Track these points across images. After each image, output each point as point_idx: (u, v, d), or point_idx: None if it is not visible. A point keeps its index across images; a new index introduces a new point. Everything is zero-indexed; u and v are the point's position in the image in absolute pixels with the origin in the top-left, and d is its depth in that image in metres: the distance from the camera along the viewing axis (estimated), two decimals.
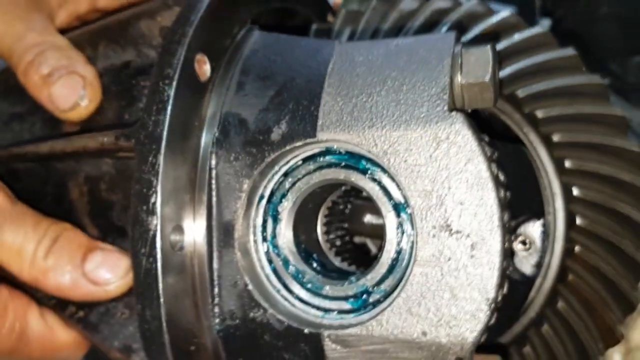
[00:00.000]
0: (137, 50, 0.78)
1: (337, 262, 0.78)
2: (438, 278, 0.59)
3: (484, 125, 0.82)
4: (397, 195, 0.64)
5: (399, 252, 0.64)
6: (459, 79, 0.60)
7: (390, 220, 0.64)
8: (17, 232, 0.73)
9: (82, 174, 0.78)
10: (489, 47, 0.60)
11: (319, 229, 0.78)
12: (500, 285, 0.58)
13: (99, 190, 0.77)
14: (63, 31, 0.86)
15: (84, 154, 0.73)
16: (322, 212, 0.79)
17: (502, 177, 0.61)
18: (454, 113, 0.59)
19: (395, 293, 0.62)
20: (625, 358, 1.17)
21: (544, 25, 1.59)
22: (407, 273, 0.61)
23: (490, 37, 0.82)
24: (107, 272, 0.72)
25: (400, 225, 0.64)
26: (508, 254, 0.60)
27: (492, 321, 0.61)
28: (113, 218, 0.76)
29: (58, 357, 0.79)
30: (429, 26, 0.85)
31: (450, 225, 0.59)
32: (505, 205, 0.59)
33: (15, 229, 0.73)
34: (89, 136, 0.71)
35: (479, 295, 0.58)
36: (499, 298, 0.58)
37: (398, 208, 0.64)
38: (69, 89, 0.76)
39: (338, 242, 0.81)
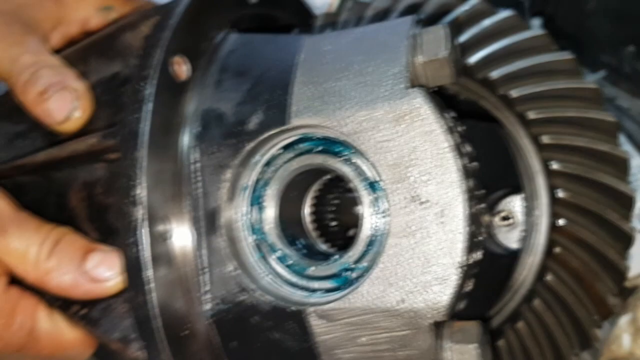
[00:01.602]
0: (124, 61, 0.82)
1: (325, 247, 0.81)
2: (411, 247, 0.61)
3: (468, 108, 0.85)
4: (371, 173, 0.67)
5: (375, 228, 0.66)
6: (419, 58, 0.63)
7: (364, 198, 0.67)
8: (21, 236, 0.78)
9: (79, 180, 0.83)
10: (442, 25, 0.63)
11: (307, 216, 0.81)
12: (468, 249, 0.60)
13: (96, 195, 0.81)
14: (57, 51, 0.92)
15: (77, 158, 0.77)
16: (310, 199, 0.82)
17: (467, 148, 0.64)
18: (414, 89, 0.62)
19: (374, 266, 0.64)
20: (634, 337, 1.16)
21: (535, 24, 1.62)
22: (382, 246, 0.64)
23: (461, 24, 0.85)
24: (106, 270, 0.76)
25: (375, 201, 0.67)
26: (477, 220, 0.62)
27: (469, 287, 0.63)
28: (110, 220, 0.80)
29: (67, 355, 0.82)
30: None
31: (419, 195, 0.61)
32: (470, 173, 0.62)
33: (19, 234, 0.78)
34: (78, 140, 0.75)
35: (450, 259, 0.60)
36: (469, 262, 0.60)
37: (373, 186, 0.67)
38: (62, 102, 0.81)
39: (327, 230, 0.83)
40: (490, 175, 0.76)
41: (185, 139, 0.71)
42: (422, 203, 0.61)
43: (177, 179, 0.69)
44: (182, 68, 0.72)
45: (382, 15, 0.90)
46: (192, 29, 0.75)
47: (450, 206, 0.60)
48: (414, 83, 0.63)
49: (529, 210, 0.83)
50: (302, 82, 0.68)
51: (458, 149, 0.61)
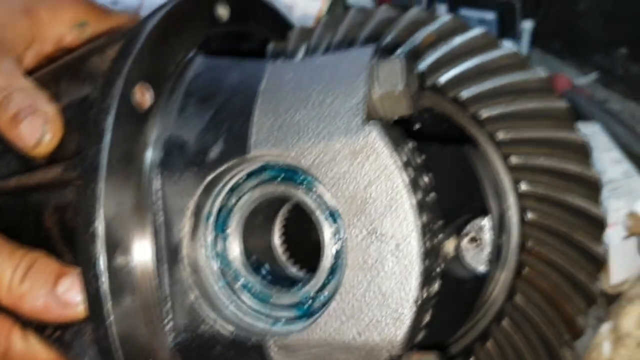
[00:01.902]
0: (94, 84, 0.82)
1: (295, 269, 0.81)
2: (368, 280, 0.62)
3: (442, 123, 0.85)
4: (332, 203, 0.67)
5: (337, 258, 0.67)
6: (375, 91, 0.63)
7: (326, 228, 0.67)
8: None
9: (52, 204, 0.83)
10: (399, 58, 0.62)
11: (276, 239, 0.81)
12: (423, 284, 0.60)
13: (67, 219, 0.81)
14: (32, 71, 0.92)
15: (45, 186, 0.78)
16: (279, 221, 0.82)
17: (425, 180, 0.64)
18: (370, 123, 0.62)
19: (332, 298, 0.64)
20: (614, 346, 1.17)
21: (526, 26, 1.61)
22: (341, 277, 0.64)
23: (432, 43, 0.85)
24: (77, 295, 0.77)
25: (337, 231, 0.67)
26: (434, 253, 0.62)
27: (427, 319, 0.63)
28: None
29: None
30: (374, 38, 0.87)
31: (376, 229, 0.61)
32: (426, 207, 0.61)
33: None
34: (45, 169, 0.76)
35: (404, 295, 0.60)
36: (425, 296, 0.61)
37: (334, 215, 0.67)
38: (33, 126, 0.82)
39: (298, 251, 0.83)
40: (457, 199, 0.76)
41: (148, 166, 0.71)
42: (378, 237, 0.61)
43: (139, 208, 0.69)
44: (144, 96, 0.72)
45: (354, 32, 0.90)
46: (157, 54, 0.75)
47: (405, 241, 0.60)
48: (371, 116, 0.63)
49: (499, 231, 0.82)
50: (262, 112, 0.68)
51: (413, 184, 0.61)
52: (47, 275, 0.79)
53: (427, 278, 0.61)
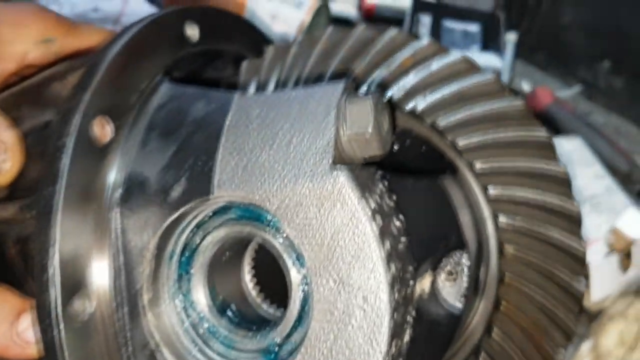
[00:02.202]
0: (55, 110, 0.79)
1: (265, 306, 0.78)
2: (335, 333, 0.59)
3: (420, 146, 0.82)
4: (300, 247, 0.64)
5: (304, 305, 0.64)
6: (344, 132, 0.60)
7: (293, 273, 0.64)
8: None
9: (14, 235, 0.80)
10: (369, 98, 0.59)
11: (246, 276, 0.78)
12: (393, 337, 0.57)
13: (29, 250, 0.78)
14: None
15: (7, 221, 0.74)
16: (249, 256, 0.79)
17: (397, 224, 0.61)
18: (338, 168, 0.59)
19: (298, 349, 0.62)
20: None
21: (510, 38, 1.58)
22: (307, 327, 0.61)
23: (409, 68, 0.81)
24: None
25: (304, 278, 0.64)
26: (404, 303, 0.60)
27: None
28: None
29: None
30: (349, 63, 0.84)
31: (343, 280, 0.59)
32: (396, 255, 0.59)
33: None
34: (2, 206, 0.72)
35: (372, 350, 0.57)
36: (394, 351, 0.58)
37: (301, 260, 0.64)
38: None
39: (269, 288, 0.81)
40: (433, 235, 0.73)
41: (107, 204, 0.68)
42: (345, 288, 0.58)
43: (97, 248, 0.66)
44: (104, 130, 0.68)
45: (329, 56, 0.86)
46: (119, 84, 0.71)
47: (373, 294, 0.57)
48: (340, 157, 0.60)
49: (478, 261, 0.80)
50: (227, 150, 0.64)
51: (382, 232, 0.58)
52: (8, 312, 0.76)
53: (397, 331, 0.58)
